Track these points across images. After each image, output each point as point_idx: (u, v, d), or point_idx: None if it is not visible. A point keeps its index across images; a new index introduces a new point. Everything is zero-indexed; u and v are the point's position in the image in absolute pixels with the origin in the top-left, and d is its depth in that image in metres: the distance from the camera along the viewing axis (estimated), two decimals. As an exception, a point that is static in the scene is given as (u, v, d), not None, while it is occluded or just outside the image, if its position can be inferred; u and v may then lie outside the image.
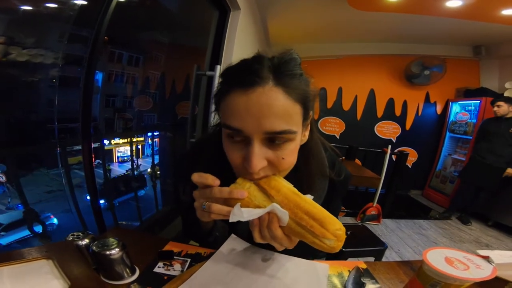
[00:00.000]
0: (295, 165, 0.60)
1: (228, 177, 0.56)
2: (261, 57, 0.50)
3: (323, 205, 0.69)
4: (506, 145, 2.92)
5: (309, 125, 0.59)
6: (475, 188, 3.19)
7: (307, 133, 0.59)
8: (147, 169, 3.12)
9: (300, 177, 0.61)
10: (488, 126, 3.12)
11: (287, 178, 0.55)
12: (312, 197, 0.52)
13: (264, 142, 0.49)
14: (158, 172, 2.74)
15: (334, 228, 0.44)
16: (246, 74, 0.47)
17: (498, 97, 3.19)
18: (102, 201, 1.64)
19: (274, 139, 0.48)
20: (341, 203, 0.83)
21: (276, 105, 0.46)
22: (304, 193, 0.52)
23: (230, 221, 0.46)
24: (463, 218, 3.36)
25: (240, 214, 0.46)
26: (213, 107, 1.85)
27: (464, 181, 3.35)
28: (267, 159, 0.49)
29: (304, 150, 0.60)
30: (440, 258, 0.47)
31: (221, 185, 0.51)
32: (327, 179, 0.67)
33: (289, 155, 0.51)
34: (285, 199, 0.47)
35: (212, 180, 0.49)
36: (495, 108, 2.98)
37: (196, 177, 0.50)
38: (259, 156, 0.48)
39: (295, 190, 0.49)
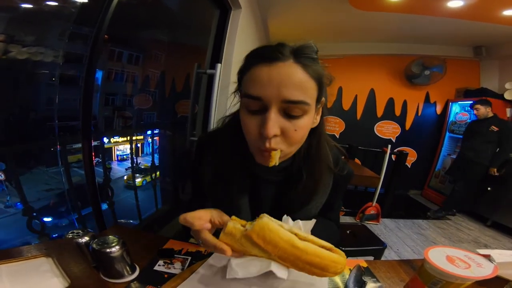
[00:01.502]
0: (307, 150, 0.64)
1: (240, 167, 0.62)
2: (283, 42, 0.55)
3: (326, 202, 0.69)
4: (485, 142, 3.16)
5: (320, 112, 0.63)
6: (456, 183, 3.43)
7: (318, 118, 0.62)
8: (123, 176, 2.64)
9: (312, 163, 0.65)
10: (472, 126, 3.40)
11: (298, 161, 0.62)
12: (314, 221, 0.53)
13: (280, 112, 0.52)
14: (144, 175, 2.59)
15: (334, 270, 0.45)
16: (270, 51, 0.53)
17: (483, 98, 3.34)
18: (49, 219, 1.51)
19: (289, 110, 0.52)
20: (342, 202, 0.83)
21: (295, 77, 0.51)
22: (315, 186, 0.60)
23: (227, 277, 0.48)
24: (438, 212, 3.49)
25: (236, 272, 0.46)
26: (213, 105, 1.83)
27: (452, 177, 3.64)
28: (281, 129, 0.53)
29: (316, 133, 0.64)
30: (441, 257, 0.47)
31: (235, 173, 0.60)
32: (332, 174, 0.69)
33: (301, 129, 0.54)
34: (284, 254, 0.45)
35: (198, 225, 0.51)
36: (475, 111, 3.26)
37: (182, 220, 0.52)
38: (275, 122, 0.51)
39: (294, 240, 0.45)
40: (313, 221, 0.55)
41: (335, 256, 0.45)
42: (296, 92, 0.51)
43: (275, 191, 0.69)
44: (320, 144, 0.65)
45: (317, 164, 0.65)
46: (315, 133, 0.64)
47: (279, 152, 0.54)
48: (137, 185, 2.48)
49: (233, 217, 0.51)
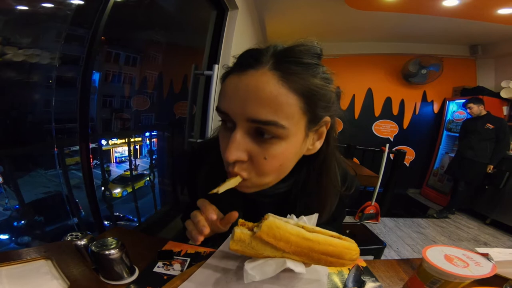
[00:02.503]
0: (305, 182, 0.55)
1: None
2: (272, 45, 0.45)
3: (330, 217, 0.67)
4: (481, 140, 3.19)
5: (323, 135, 0.51)
6: (456, 182, 3.42)
7: (318, 143, 0.51)
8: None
9: (311, 200, 0.57)
10: (467, 125, 3.42)
11: (295, 191, 0.55)
12: (317, 215, 0.51)
13: (251, 133, 0.44)
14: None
15: (350, 256, 0.45)
16: (246, 57, 0.44)
17: (475, 96, 3.38)
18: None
19: (262, 132, 0.42)
20: (345, 213, 0.82)
21: (264, 90, 0.40)
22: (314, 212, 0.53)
23: (245, 282, 0.44)
24: (442, 212, 3.49)
25: (253, 277, 0.45)
26: (211, 106, 1.83)
27: (452, 177, 3.62)
28: (248, 153, 0.44)
29: (315, 163, 0.54)
30: (439, 256, 0.47)
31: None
32: (338, 194, 0.62)
33: (274, 157, 0.44)
34: (297, 248, 0.44)
35: (207, 210, 0.50)
36: (468, 110, 3.30)
37: (200, 202, 0.51)
38: (239, 144, 0.43)
39: (303, 233, 0.45)
40: (316, 215, 0.52)
41: (346, 243, 0.45)
42: (263, 109, 0.40)
43: (273, 211, 0.64)
44: (322, 176, 0.54)
45: (319, 198, 0.56)
46: (316, 163, 0.53)
47: (238, 179, 0.46)
48: (117, 196, 2.35)
49: (241, 220, 0.49)
